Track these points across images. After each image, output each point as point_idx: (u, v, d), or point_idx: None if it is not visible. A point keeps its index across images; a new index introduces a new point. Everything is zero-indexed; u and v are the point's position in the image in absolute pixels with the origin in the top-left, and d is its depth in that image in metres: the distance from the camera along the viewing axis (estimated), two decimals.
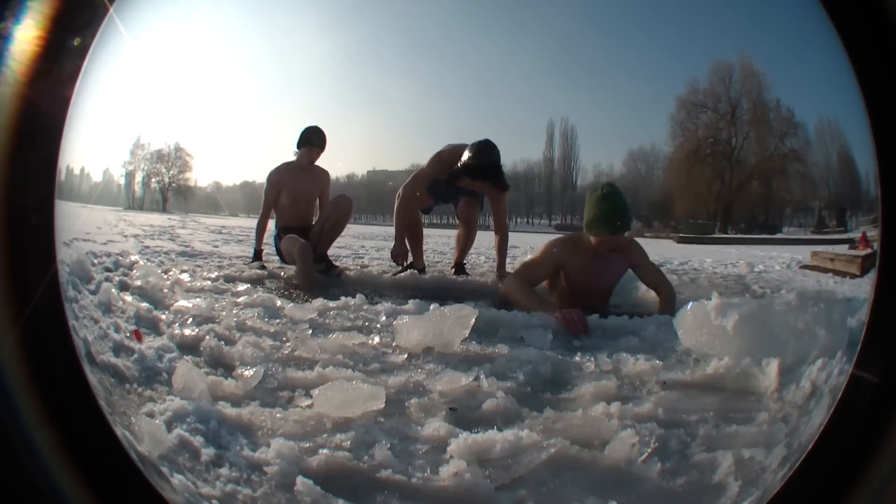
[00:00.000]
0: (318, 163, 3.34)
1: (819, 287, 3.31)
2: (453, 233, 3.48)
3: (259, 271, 3.03)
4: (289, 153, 3.31)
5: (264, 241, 3.38)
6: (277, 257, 3.29)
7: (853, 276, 3.51)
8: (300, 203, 3.31)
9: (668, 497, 0.86)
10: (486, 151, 2.85)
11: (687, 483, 0.87)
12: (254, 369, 1.27)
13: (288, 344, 1.52)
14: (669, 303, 2.09)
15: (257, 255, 3.31)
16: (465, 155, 2.87)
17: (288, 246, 3.03)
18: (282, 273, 3.04)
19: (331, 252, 3.29)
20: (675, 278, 3.41)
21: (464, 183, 2.96)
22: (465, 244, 3.24)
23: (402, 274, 2.98)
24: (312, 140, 3.25)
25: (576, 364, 1.39)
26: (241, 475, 0.85)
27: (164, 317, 1.74)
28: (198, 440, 0.92)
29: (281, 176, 3.30)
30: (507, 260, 3.18)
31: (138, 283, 2.08)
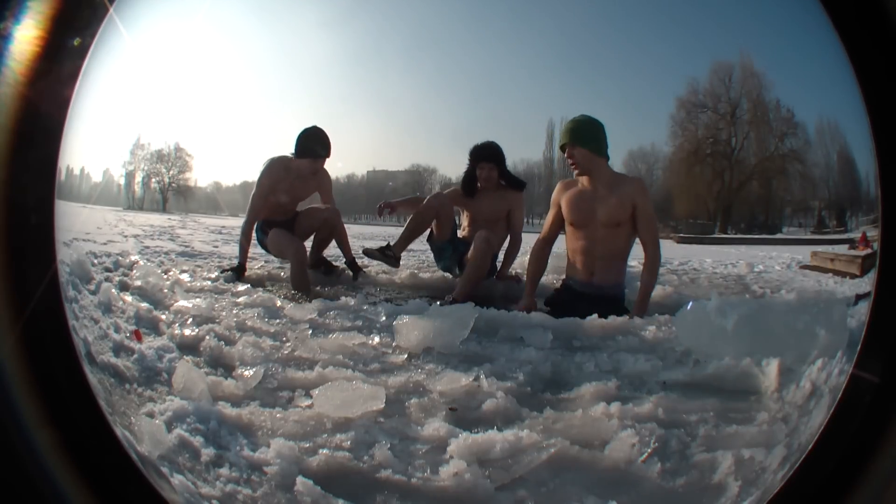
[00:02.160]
0: None
1: (819, 287, 3.31)
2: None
3: (258, 271, 3.02)
4: (288, 151, 2.96)
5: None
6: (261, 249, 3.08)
7: (853, 277, 3.51)
8: (292, 204, 3.07)
9: (668, 497, 0.86)
10: (487, 142, 3.00)
11: (687, 483, 0.87)
12: (254, 369, 1.27)
13: (288, 344, 1.52)
14: (646, 289, 2.03)
15: (241, 269, 2.82)
16: None
17: (279, 243, 2.86)
18: (282, 273, 3.04)
19: (330, 253, 3.25)
20: (675, 278, 3.41)
21: (476, 187, 2.95)
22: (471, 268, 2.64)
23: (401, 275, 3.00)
24: (317, 150, 2.89)
25: (576, 364, 1.39)
26: (241, 475, 0.85)
27: (164, 317, 1.74)
28: (198, 440, 0.92)
29: (277, 181, 2.95)
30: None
31: (138, 283, 2.08)
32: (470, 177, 2.98)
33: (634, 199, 2.13)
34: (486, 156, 2.95)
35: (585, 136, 2.17)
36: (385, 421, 1.07)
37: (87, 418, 0.65)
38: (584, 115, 2.27)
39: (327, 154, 2.94)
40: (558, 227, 2.32)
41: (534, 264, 2.32)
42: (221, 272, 2.74)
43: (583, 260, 2.23)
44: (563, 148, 2.21)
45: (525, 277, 2.39)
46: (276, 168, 2.95)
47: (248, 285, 2.45)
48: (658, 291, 2.56)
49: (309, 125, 2.92)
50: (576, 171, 2.21)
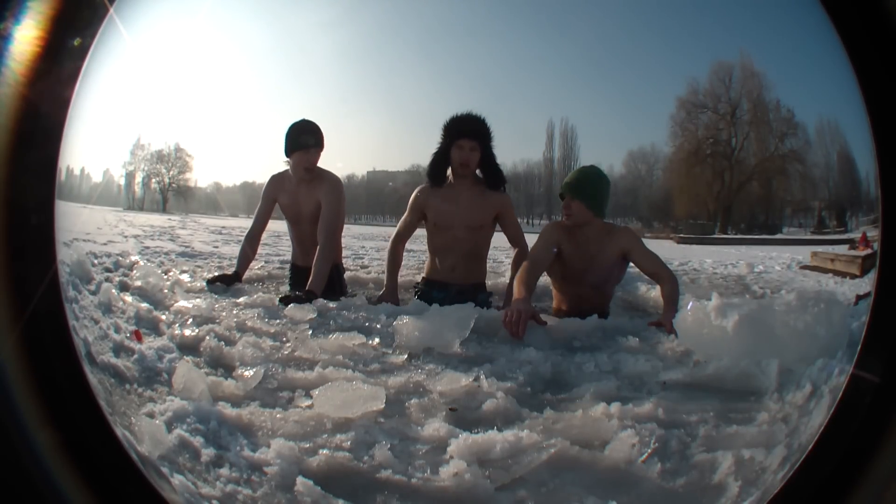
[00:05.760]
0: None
1: (819, 287, 3.31)
2: None
3: (258, 271, 3.01)
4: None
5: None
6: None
7: (853, 277, 3.52)
8: (297, 219, 2.56)
9: (668, 497, 0.86)
10: (470, 113, 2.34)
11: (687, 483, 0.87)
12: (254, 370, 1.27)
13: (288, 344, 1.52)
14: (671, 300, 1.93)
15: (235, 276, 2.44)
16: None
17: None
18: (283, 272, 3.04)
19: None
20: None
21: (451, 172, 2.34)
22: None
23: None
24: (304, 140, 2.41)
25: (576, 364, 1.39)
26: (242, 475, 0.85)
27: (164, 317, 1.74)
28: (198, 440, 0.92)
29: (271, 195, 2.56)
30: (505, 260, 2.95)
31: (138, 283, 2.07)
32: (442, 159, 2.29)
33: (623, 244, 2.09)
34: (470, 130, 2.24)
35: (586, 192, 2.09)
36: (385, 421, 1.07)
37: (87, 418, 0.65)
38: (593, 166, 2.19)
39: (317, 143, 2.44)
40: (550, 259, 2.16)
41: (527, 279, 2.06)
42: (208, 283, 2.33)
43: (571, 303, 2.22)
44: (561, 196, 2.11)
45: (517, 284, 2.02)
46: (269, 182, 2.61)
47: (248, 286, 2.44)
48: (656, 293, 2.57)
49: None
50: (568, 220, 2.10)
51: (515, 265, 2.38)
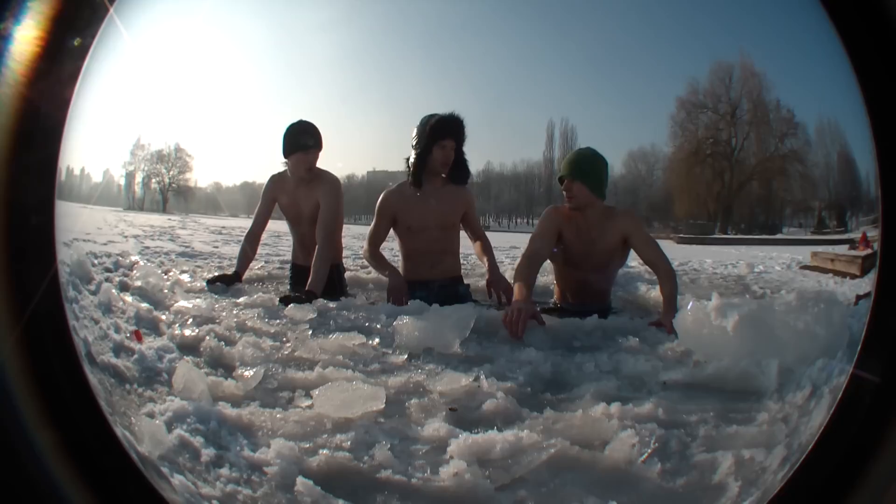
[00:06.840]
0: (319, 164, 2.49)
1: (819, 287, 3.30)
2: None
3: (258, 271, 3.01)
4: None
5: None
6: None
7: (853, 277, 3.51)
8: (297, 219, 2.58)
9: (668, 497, 0.86)
10: (445, 115, 2.36)
11: (687, 483, 0.87)
12: (254, 370, 1.27)
13: (288, 344, 1.52)
14: (671, 299, 1.88)
15: (235, 276, 2.47)
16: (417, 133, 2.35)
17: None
18: (283, 272, 3.04)
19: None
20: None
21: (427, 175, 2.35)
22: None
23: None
24: (304, 141, 2.43)
25: (576, 364, 1.39)
26: (242, 475, 0.85)
27: (164, 317, 1.74)
28: (198, 440, 0.92)
29: (272, 194, 2.58)
30: (505, 259, 2.97)
31: (138, 283, 2.07)
32: (424, 160, 2.32)
33: (624, 228, 2.07)
34: (454, 130, 2.32)
35: (586, 172, 2.08)
36: (385, 421, 1.07)
37: (87, 418, 0.65)
38: (589, 148, 2.18)
39: (316, 144, 2.46)
40: (551, 247, 2.13)
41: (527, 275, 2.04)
42: (208, 283, 2.35)
43: (573, 289, 2.20)
44: (561, 180, 2.10)
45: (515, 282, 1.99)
46: (269, 182, 2.62)
47: (248, 286, 2.44)
48: (656, 293, 2.56)
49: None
50: (570, 203, 2.09)
51: (489, 255, 2.40)
